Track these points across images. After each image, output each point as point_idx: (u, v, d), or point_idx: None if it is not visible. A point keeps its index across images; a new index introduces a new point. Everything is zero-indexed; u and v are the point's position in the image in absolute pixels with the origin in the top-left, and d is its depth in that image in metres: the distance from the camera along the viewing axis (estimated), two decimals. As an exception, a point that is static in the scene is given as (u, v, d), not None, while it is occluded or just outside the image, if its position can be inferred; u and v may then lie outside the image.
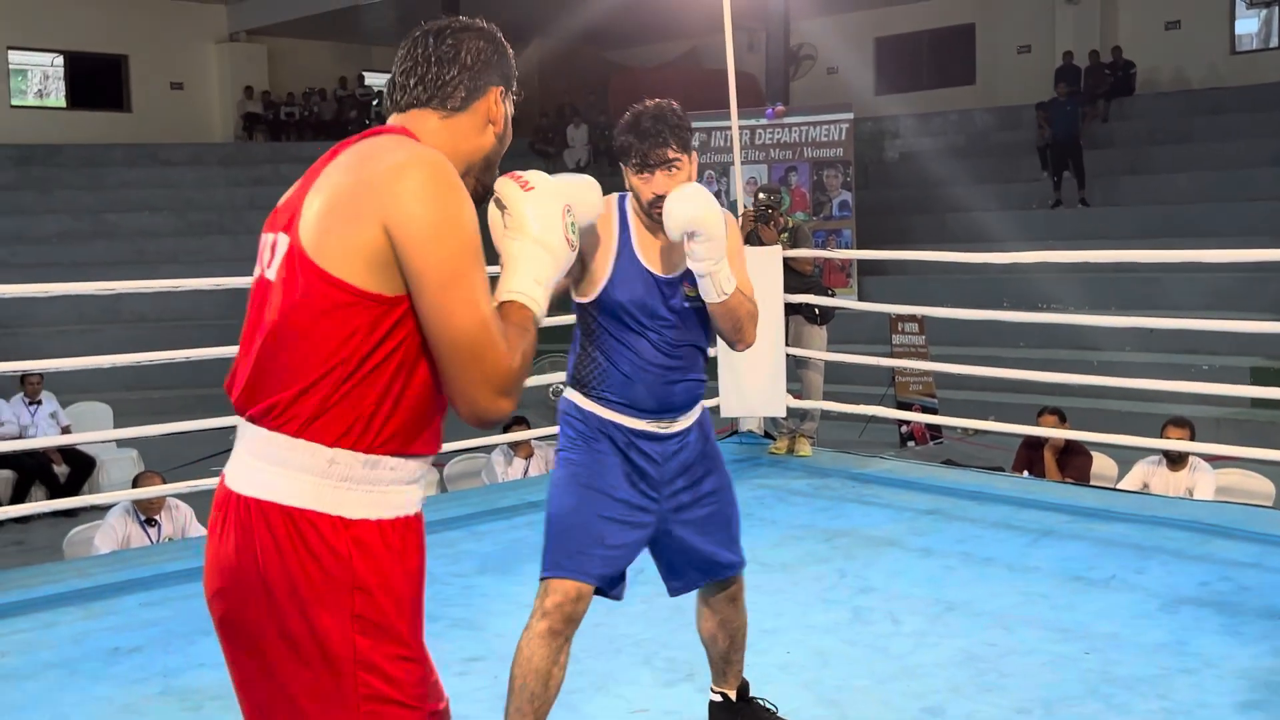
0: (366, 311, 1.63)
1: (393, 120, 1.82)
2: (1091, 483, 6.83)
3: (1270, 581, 4.45)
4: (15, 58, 19.81)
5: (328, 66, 22.70)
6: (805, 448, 6.78)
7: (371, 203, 1.63)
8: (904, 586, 4.48)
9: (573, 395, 2.91)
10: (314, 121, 21.91)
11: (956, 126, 18.27)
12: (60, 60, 20.64)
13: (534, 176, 1.88)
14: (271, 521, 1.66)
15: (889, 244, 13.54)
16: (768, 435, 7.07)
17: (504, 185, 1.85)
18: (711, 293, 2.77)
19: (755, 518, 5.52)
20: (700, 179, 12.23)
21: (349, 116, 22.18)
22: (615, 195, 2.91)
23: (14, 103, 19.88)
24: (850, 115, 14.47)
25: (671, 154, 2.79)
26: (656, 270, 2.84)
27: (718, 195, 14.53)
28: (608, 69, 22.58)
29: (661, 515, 2.89)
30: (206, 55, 21.45)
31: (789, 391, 6.69)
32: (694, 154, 2.87)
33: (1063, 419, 7.09)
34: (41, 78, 21.09)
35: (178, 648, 3.93)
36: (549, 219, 1.83)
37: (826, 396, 7.07)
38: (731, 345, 2.93)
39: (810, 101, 16.96)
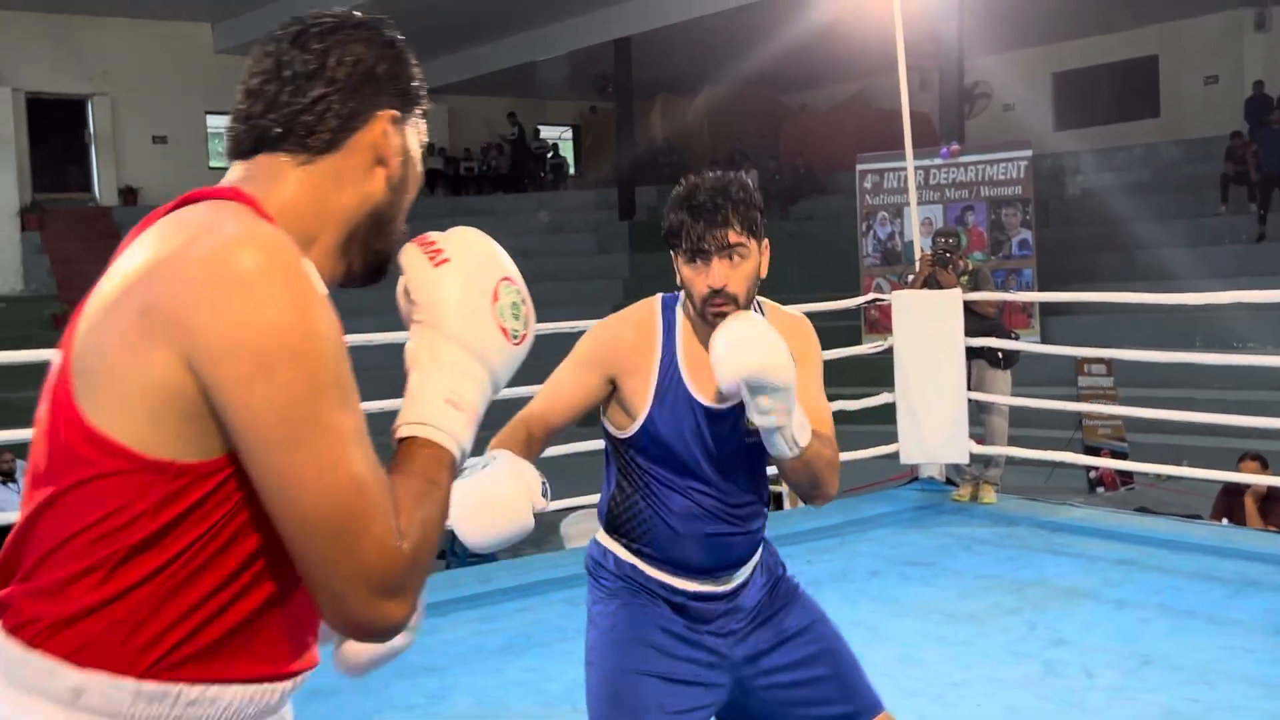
0: (150, 485, 1.08)
1: (234, 172, 1.23)
2: (1297, 531, 6.50)
3: None
4: (212, 121, 20.89)
5: (504, 121, 23.34)
6: (989, 494, 6.64)
7: (164, 319, 1.05)
8: (1098, 639, 4.34)
9: (607, 541, 2.34)
10: (491, 175, 22.59)
11: (1141, 160, 17.73)
12: (254, 123, 21.72)
13: (453, 240, 1.27)
14: None
15: (1072, 283, 13.18)
16: (950, 482, 6.94)
17: (407, 257, 1.27)
18: (783, 448, 2.10)
19: (939, 567, 5.43)
20: (873, 221, 12.13)
21: (525, 169, 22.82)
22: (658, 298, 2.33)
23: (212, 164, 20.93)
24: (1029, 152, 14.17)
25: (734, 237, 2.16)
26: (708, 400, 2.23)
27: (891, 237, 14.47)
28: (779, 111, 22.64)
29: (735, 669, 2.28)
30: (390, 114, 22.29)
31: (971, 436, 6.56)
32: (765, 242, 2.23)
33: (1265, 465, 6.78)
34: (237, 140, 22.22)
35: (374, 688, 4.05)
36: (473, 302, 1.22)
37: (1010, 441, 6.91)
38: (807, 501, 2.26)
39: (986, 139, 16.67)
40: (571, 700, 3.87)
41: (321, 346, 1.08)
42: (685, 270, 2.21)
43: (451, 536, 9.93)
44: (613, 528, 2.33)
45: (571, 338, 2.50)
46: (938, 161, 14.00)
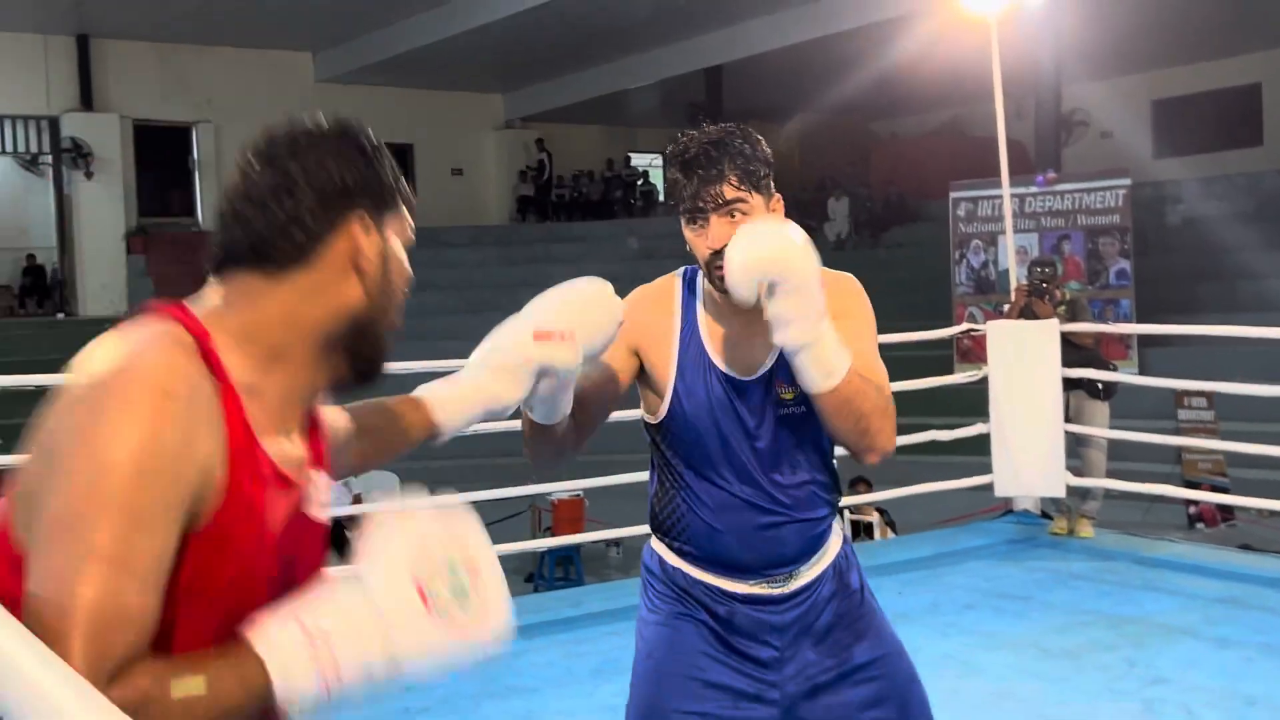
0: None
1: (211, 292, 1.27)
2: None
3: None
4: (314, 150, 21.43)
5: (596, 149, 23.53)
6: (1086, 529, 6.51)
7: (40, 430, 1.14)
8: (1199, 678, 4.24)
9: (655, 544, 2.17)
10: (582, 202, 22.77)
11: (1244, 190, 17.34)
12: (353, 151, 22.18)
13: (372, 541, 1.19)
14: None
15: (1172, 313, 12.92)
16: (1045, 515, 6.83)
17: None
18: (813, 375, 1.88)
19: (1035, 601, 5.34)
20: (966, 249, 11.91)
21: (615, 196, 22.97)
22: (681, 270, 2.15)
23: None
24: (1127, 180, 13.95)
25: (731, 192, 1.94)
26: (733, 370, 2.02)
27: (984, 266, 14.29)
28: (869, 139, 22.54)
29: (788, 703, 2.06)
30: (484, 142, 22.60)
31: (1068, 469, 6.45)
32: (775, 198, 2.02)
33: (1376, 502, 6.56)
34: (336, 167, 22.68)
35: (465, 708, 4.09)
36: (401, 611, 1.15)
37: (1107, 475, 6.78)
38: (858, 456, 1.99)
39: (1083, 167, 16.45)
40: (661, 726, 3.87)
41: (128, 470, 1.06)
42: (687, 232, 2.00)
43: (540, 560, 9.78)
44: (657, 527, 2.14)
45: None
46: (1033, 189, 13.84)
